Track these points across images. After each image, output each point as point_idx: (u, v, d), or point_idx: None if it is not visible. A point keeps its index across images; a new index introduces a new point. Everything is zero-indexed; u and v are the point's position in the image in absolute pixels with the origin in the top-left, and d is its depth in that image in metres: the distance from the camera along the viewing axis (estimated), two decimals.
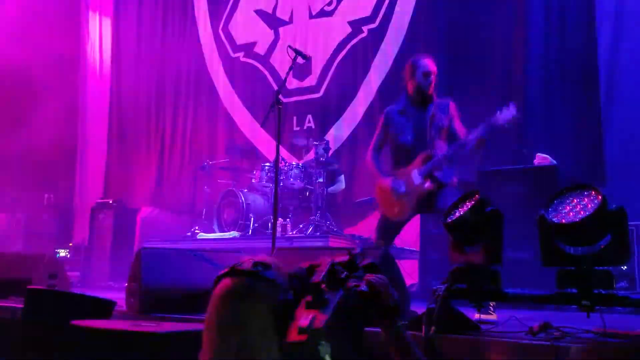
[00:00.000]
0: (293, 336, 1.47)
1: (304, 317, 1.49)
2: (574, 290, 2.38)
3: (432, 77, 4.26)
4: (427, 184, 4.01)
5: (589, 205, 2.30)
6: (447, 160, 4.10)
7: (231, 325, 1.54)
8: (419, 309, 2.91)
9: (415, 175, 4.04)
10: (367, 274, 1.77)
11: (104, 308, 3.02)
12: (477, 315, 2.82)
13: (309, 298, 1.55)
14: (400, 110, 4.35)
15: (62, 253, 8.62)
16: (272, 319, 1.55)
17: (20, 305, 3.38)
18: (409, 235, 6.18)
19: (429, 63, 4.27)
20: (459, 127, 4.26)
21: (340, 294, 1.59)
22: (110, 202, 8.30)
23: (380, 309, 1.75)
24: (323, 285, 1.59)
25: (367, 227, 6.91)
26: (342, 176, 7.03)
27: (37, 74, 8.90)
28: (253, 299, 1.56)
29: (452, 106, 4.32)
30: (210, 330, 1.58)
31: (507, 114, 4.04)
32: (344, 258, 1.78)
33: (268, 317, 1.56)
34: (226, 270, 1.63)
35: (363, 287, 1.71)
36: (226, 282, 1.60)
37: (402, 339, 1.80)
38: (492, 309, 3.35)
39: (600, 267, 2.35)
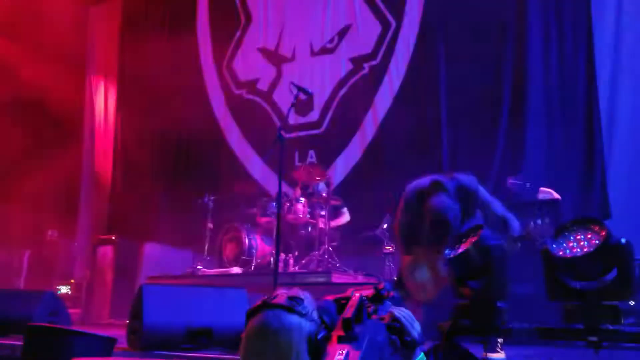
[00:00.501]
0: None
1: (339, 353, 1.49)
2: (581, 326, 2.35)
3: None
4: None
5: (593, 240, 2.29)
6: None
7: (267, 358, 1.54)
8: (424, 346, 2.86)
9: (441, 267, 3.94)
10: (392, 307, 1.77)
11: (105, 345, 2.99)
12: (484, 354, 2.78)
13: (340, 332, 1.57)
14: None
15: (64, 290, 8.57)
16: (307, 354, 1.56)
17: (20, 343, 3.34)
18: None
19: None
20: None
21: (371, 328, 1.61)
22: (112, 237, 8.28)
23: (404, 341, 1.74)
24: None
25: (371, 262, 6.87)
26: (346, 208, 7.01)
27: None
28: (289, 333, 1.56)
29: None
30: None
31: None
32: (370, 292, 1.78)
33: (303, 352, 1.56)
34: (259, 303, 1.63)
35: (388, 320, 1.71)
36: (261, 316, 1.60)
37: None
38: (499, 347, 3.30)
39: (607, 302, 2.32)
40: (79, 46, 10.33)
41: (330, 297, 1.81)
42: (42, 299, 4.41)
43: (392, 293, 1.86)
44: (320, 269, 6.21)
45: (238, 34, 9.04)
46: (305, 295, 1.79)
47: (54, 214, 9.43)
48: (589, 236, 2.30)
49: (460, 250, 2.60)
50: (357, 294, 1.72)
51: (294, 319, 1.59)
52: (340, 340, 1.54)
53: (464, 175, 3.72)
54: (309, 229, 6.80)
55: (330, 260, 6.36)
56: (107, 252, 8.17)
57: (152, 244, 8.92)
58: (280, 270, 5.17)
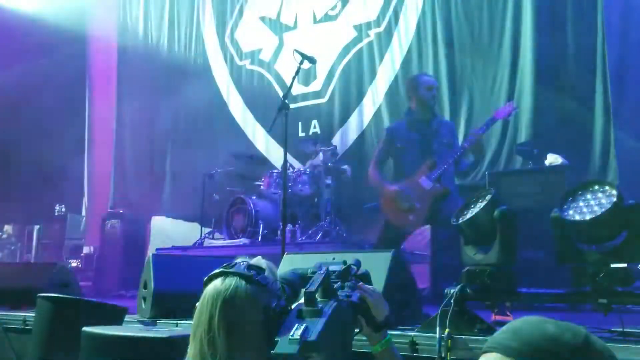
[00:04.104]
0: (283, 347, 1.39)
1: (296, 327, 1.41)
2: (590, 289, 2.34)
3: (435, 91, 4.40)
4: (438, 187, 4.04)
5: (604, 202, 2.27)
6: (450, 166, 4.15)
7: (219, 328, 1.48)
8: (431, 312, 2.87)
9: (425, 181, 4.07)
10: (359, 284, 1.70)
11: (116, 314, 3.02)
12: (493, 317, 2.78)
13: (300, 306, 1.49)
14: (406, 126, 4.46)
15: (74, 263, 8.65)
16: (262, 326, 1.50)
17: (32, 314, 3.38)
18: (419, 239, 6.14)
19: (430, 79, 4.40)
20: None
21: (334, 305, 1.51)
22: (120, 211, 8.34)
23: (371, 321, 1.70)
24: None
25: (376, 231, 6.89)
26: (350, 180, 6.99)
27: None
28: (242, 302, 1.51)
29: (453, 127, 4.50)
30: (196, 332, 1.52)
31: (506, 109, 4.16)
32: (339, 267, 1.72)
33: (258, 323, 1.50)
34: (218, 270, 1.58)
35: (354, 298, 1.64)
36: (217, 283, 1.55)
37: (391, 353, 1.76)
38: (508, 311, 3.30)
39: (617, 265, 2.31)
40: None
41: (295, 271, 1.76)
42: (52, 271, 4.45)
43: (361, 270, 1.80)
44: (327, 239, 6.22)
45: (240, 3, 8.94)
46: (268, 264, 1.74)
47: (61, 188, 9.48)
48: (600, 197, 2.28)
49: (468, 216, 2.58)
50: (324, 268, 1.64)
51: (250, 288, 1.52)
52: (301, 314, 1.47)
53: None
54: (315, 199, 6.80)
55: (336, 230, 6.37)
56: (115, 226, 8.24)
57: (160, 217, 8.98)
58: (287, 240, 5.17)
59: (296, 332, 1.40)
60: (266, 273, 1.61)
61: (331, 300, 1.54)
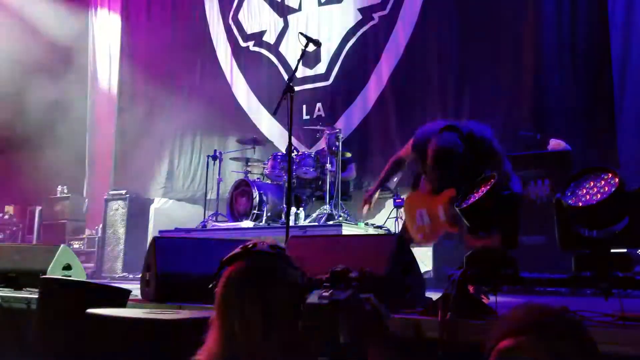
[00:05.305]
0: (314, 299, 1.45)
1: (324, 291, 1.47)
2: (591, 274, 2.35)
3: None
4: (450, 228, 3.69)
5: (606, 188, 2.26)
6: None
7: (254, 308, 1.48)
8: (433, 296, 2.89)
9: (441, 213, 3.74)
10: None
11: (119, 297, 3.03)
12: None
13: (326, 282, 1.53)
14: None
15: (76, 245, 8.68)
16: (293, 302, 1.51)
17: (35, 296, 3.40)
18: None
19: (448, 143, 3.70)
20: None
21: (349, 292, 1.53)
22: (123, 192, 8.33)
23: (372, 330, 1.60)
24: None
25: (380, 215, 6.91)
26: (353, 164, 7.00)
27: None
28: (277, 281, 1.52)
29: None
30: (225, 315, 1.51)
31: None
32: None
33: (290, 299, 1.51)
34: (239, 251, 1.57)
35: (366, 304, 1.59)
36: (245, 263, 1.54)
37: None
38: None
39: (618, 250, 2.31)
40: None
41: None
42: (55, 253, 4.46)
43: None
44: (331, 222, 6.24)
45: None
46: (283, 245, 1.75)
47: (63, 169, 9.47)
48: (602, 184, 2.28)
49: (471, 200, 2.58)
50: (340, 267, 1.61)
51: (280, 267, 1.54)
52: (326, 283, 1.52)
53: (478, 123, 3.62)
54: (320, 182, 6.81)
55: (340, 213, 6.39)
56: (118, 208, 8.26)
57: (163, 199, 9.00)
58: (291, 223, 5.18)
59: (324, 293, 1.47)
60: (286, 252, 1.62)
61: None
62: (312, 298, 1.46)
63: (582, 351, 1.01)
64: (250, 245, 1.58)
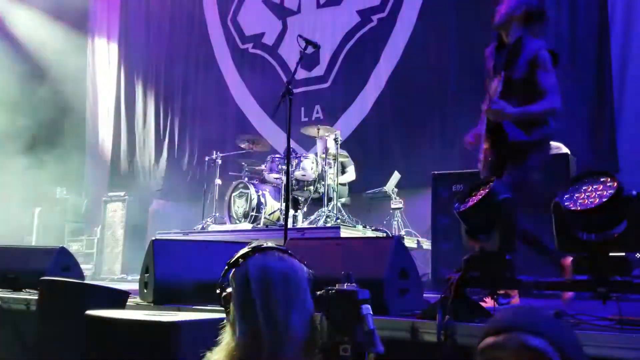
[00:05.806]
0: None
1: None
2: (589, 277, 2.35)
3: None
4: None
5: (605, 192, 2.27)
6: None
7: (278, 304, 1.47)
8: (431, 299, 2.89)
9: None
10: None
11: (118, 298, 3.03)
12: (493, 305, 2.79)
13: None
14: None
15: (75, 246, 8.67)
16: (309, 295, 1.53)
17: (35, 297, 3.40)
18: (421, 226, 6.16)
19: None
20: None
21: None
22: (122, 194, 8.33)
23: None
24: None
25: (378, 218, 6.90)
26: (352, 167, 7.00)
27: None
28: (296, 272, 1.54)
29: None
30: (245, 314, 1.49)
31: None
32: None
33: (307, 293, 1.53)
34: (247, 250, 1.56)
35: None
36: (258, 259, 1.53)
37: None
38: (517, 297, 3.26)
39: (616, 254, 2.32)
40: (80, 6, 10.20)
41: None
42: (54, 254, 4.46)
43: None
44: (329, 224, 6.23)
45: None
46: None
47: (62, 171, 9.46)
48: (600, 188, 2.29)
49: (470, 204, 2.59)
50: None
51: (297, 262, 1.55)
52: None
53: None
54: (318, 184, 6.80)
55: (338, 215, 6.38)
56: (117, 209, 8.25)
57: (161, 201, 8.99)
58: (289, 226, 5.18)
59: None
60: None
61: None
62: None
63: (559, 350, 1.02)
64: (260, 246, 1.58)
